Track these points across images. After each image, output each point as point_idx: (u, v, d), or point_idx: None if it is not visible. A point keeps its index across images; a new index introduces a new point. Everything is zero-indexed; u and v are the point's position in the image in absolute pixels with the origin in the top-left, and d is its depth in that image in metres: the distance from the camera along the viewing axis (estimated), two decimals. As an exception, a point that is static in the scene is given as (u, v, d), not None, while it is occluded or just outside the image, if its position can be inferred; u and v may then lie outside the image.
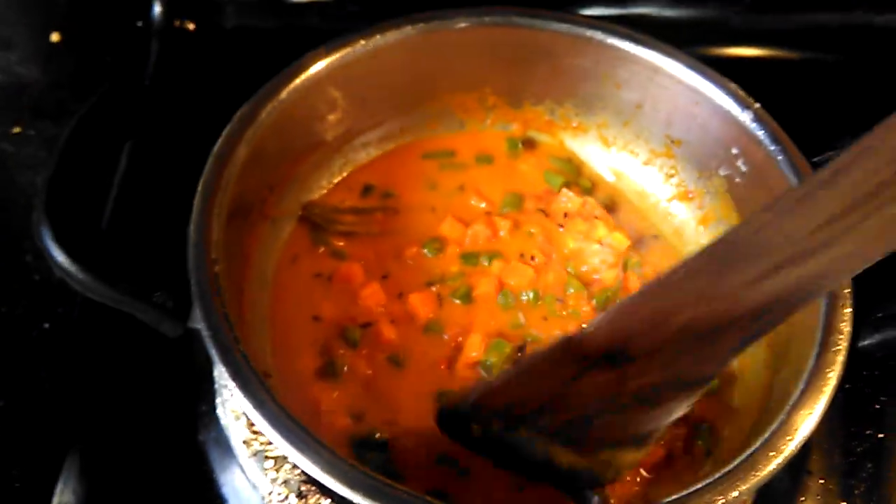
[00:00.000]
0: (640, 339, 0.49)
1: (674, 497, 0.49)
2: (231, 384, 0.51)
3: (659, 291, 0.49)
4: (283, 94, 0.66)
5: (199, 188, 0.59)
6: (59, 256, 0.52)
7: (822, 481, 0.69)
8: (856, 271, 0.43)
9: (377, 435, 0.62)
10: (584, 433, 0.54)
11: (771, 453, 0.51)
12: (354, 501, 0.48)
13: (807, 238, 0.42)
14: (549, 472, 0.56)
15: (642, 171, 0.79)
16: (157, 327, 0.56)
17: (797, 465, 0.69)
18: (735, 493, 0.49)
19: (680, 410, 0.51)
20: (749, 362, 0.66)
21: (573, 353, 0.52)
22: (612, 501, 0.59)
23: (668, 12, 0.95)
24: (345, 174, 0.77)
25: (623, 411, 0.52)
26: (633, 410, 0.52)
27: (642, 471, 0.61)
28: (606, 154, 0.80)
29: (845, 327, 0.56)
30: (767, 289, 0.44)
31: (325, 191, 0.76)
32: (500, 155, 0.80)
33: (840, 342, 0.56)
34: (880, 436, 0.71)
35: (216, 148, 0.62)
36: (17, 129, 0.86)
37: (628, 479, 0.61)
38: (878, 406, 0.72)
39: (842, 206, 0.40)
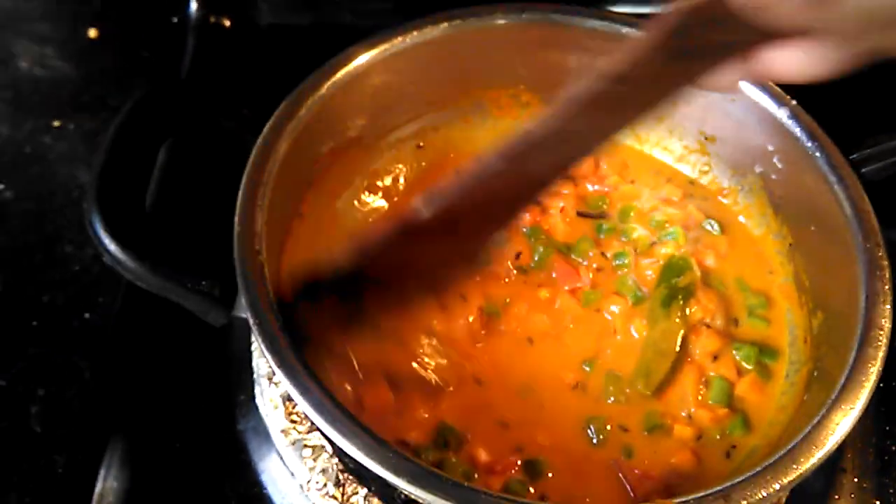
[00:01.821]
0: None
1: (717, 489, 0.49)
2: (276, 372, 0.52)
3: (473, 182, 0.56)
4: (324, 88, 0.67)
5: (244, 180, 0.60)
6: (111, 245, 0.53)
7: (856, 480, 0.69)
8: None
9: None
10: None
11: (812, 447, 0.51)
12: (398, 487, 0.49)
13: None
14: None
15: (677, 167, 0.79)
16: (203, 316, 0.57)
17: (832, 464, 0.69)
18: (777, 486, 0.49)
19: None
20: (786, 359, 0.66)
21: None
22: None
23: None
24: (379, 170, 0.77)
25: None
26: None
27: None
28: (640, 150, 0.81)
29: (886, 323, 0.56)
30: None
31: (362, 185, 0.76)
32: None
33: (881, 338, 0.56)
34: (914, 435, 0.71)
35: (259, 140, 0.63)
36: (56, 123, 0.88)
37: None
38: (912, 405, 0.72)
39: None
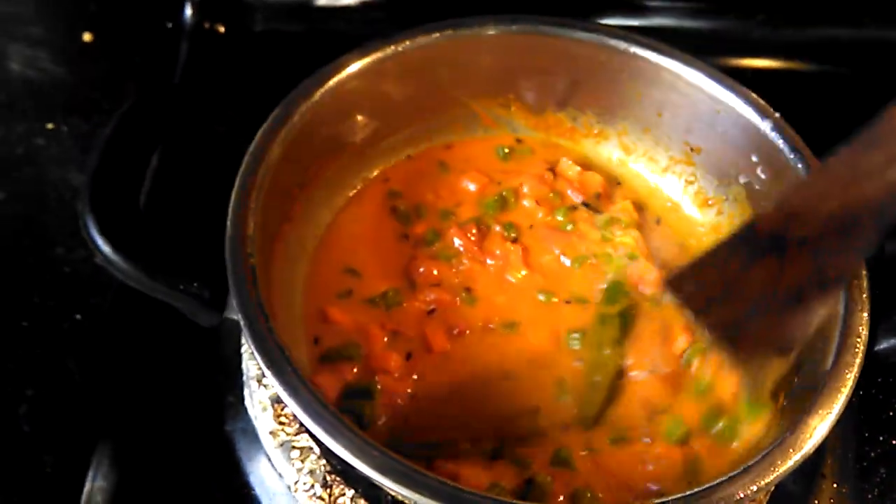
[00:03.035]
0: (798, 225, 0.55)
1: (696, 490, 0.50)
2: (267, 374, 0.53)
3: (816, 176, 0.56)
4: (316, 95, 0.68)
5: (236, 184, 0.61)
6: (104, 246, 0.54)
7: (835, 485, 0.70)
8: None
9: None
10: (744, 333, 0.59)
11: (790, 450, 0.52)
12: (384, 487, 0.50)
13: None
14: None
15: (660, 179, 0.81)
16: (194, 317, 0.58)
17: (812, 469, 0.70)
18: (754, 488, 0.50)
19: (820, 313, 0.57)
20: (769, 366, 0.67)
21: (749, 236, 0.58)
22: None
23: (689, 23, 0.97)
24: (371, 176, 0.78)
25: (776, 311, 0.57)
26: (784, 310, 0.57)
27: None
28: (627, 160, 0.82)
29: (863, 331, 0.58)
30: (891, 177, 0.50)
31: (351, 192, 0.77)
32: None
33: (858, 345, 0.57)
34: (893, 442, 0.72)
35: (251, 146, 0.64)
36: (49, 126, 0.88)
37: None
38: (891, 413, 0.73)
39: None
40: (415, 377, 0.65)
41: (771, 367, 0.62)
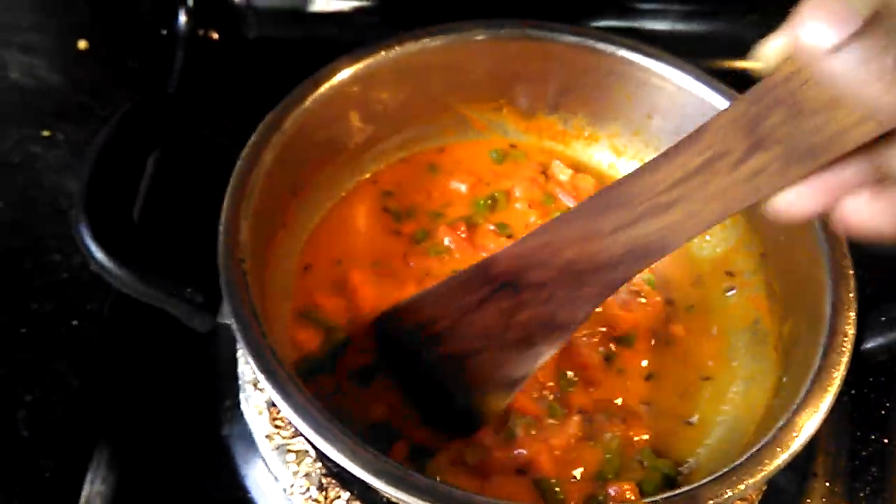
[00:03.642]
0: (533, 271, 0.56)
1: (684, 489, 0.51)
2: (259, 377, 0.53)
3: (552, 228, 0.56)
4: (308, 101, 0.68)
5: (228, 190, 0.61)
6: (98, 253, 0.55)
7: (827, 484, 0.70)
8: (693, 233, 0.49)
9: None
10: (470, 368, 0.61)
11: (777, 449, 0.53)
12: (379, 490, 0.50)
13: (659, 195, 0.48)
14: (442, 408, 0.64)
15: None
16: (188, 322, 0.59)
17: (803, 468, 0.70)
18: (742, 486, 0.51)
19: (545, 356, 0.58)
20: (758, 365, 0.68)
21: (482, 275, 0.59)
22: None
23: (680, 26, 0.97)
24: (363, 180, 0.79)
25: (503, 349, 0.59)
26: (512, 349, 0.59)
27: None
28: (617, 163, 0.83)
29: (850, 330, 0.58)
30: (627, 238, 0.51)
31: (343, 194, 0.78)
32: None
33: (845, 344, 0.58)
34: (885, 440, 0.72)
35: (244, 152, 0.64)
36: (45, 133, 0.89)
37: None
38: (883, 412, 0.74)
39: (685, 172, 0.47)
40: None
41: None
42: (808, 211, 0.42)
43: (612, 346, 0.70)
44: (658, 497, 0.50)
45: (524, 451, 0.62)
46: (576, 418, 0.64)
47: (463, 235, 0.74)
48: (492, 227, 0.75)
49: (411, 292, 0.68)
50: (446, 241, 0.74)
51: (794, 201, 0.42)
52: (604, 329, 0.70)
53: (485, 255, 0.73)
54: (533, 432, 0.63)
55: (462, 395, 0.63)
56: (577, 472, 0.62)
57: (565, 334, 0.57)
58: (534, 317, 0.57)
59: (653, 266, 0.74)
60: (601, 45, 0.74)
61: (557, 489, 0.61)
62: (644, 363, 0.70)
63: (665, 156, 0.48)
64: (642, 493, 0.60)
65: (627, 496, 0.60)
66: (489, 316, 0.59)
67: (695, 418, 0.67)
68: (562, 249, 0.54)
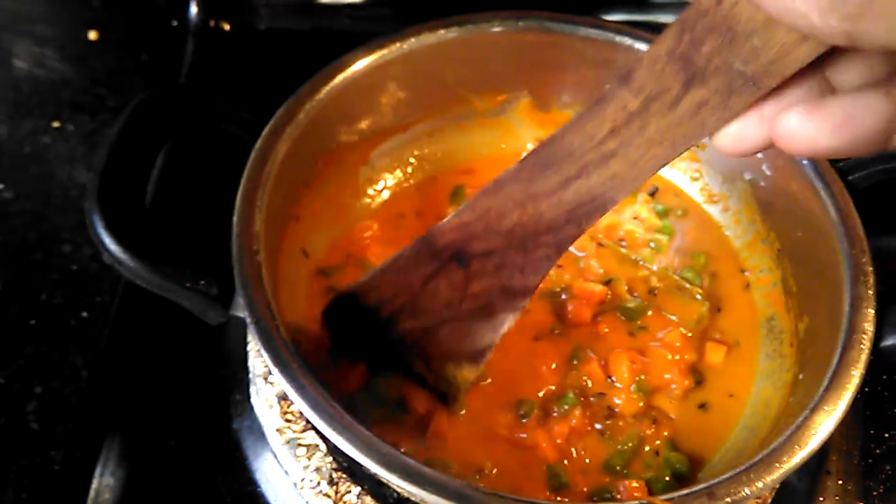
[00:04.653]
0: (478, 240, 0.55)
1: (701, 486, 0.50)
2: (273, 370, 0.53)
3: (490, 192, 0.54)
4: (322, 93, 0.68)
5: (243, 181, 0.61)
6: (111, 244, 0.54)
7: (840, 482, 0.70)
8: (639, 181, 0.47)
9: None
10: (432, 344, 0.60)
11: (795, 447, 0.52)
12: (390, 483, 0.50)
13: (599, 145, 0.47)
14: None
15: (667, 174, 0.81)
16: (200, 315, 0.58)
17: (817, 466, 0.70)
18: (760, 484, 0.50)
19: (507, 323, 0.57)
20: (773, 363, 0.67)
21: (428, 250, 0.57)
22: None
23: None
24: (375, 173, 0.79)
25: (464, 319, 0.58)
26: (472, 320, 0.58)
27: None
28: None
29: (868, 327, 0.58)
30: (570, 195, 0.49)
31: (355, 192, 0.77)
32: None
33: (864, 342, 0.57)
34: (899, 439, 0.72)
35: (258, 143, 0.64)
36: (56, 124, 0.89)
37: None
38: (896, 410, 0.74)
39: (621, 117, 0.45)
40: None
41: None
42: (757, 143, 0.41)
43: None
44: (675, 494, 0.50)
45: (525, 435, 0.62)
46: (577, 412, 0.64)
47: None
48: None
49: None
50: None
51: (741, 134, 0.41)
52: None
53: None
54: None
55: (430, 370, 0.62)
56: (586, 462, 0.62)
57: (523, 300, 0.56)
58: (487, 287, 0.56)
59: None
60: (618, 38, 0.73)
61: (561, 474, 0.61)
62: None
63: (598, 103, 0.46)
64: (651, 492, 0.60)
65: (635, 495, 0.59)
66: (443, 290, 0.58)
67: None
68: (505, 214, 0.53)
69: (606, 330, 0.69)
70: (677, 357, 0.67)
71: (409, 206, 0.78)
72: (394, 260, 0.61)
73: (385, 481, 0.50)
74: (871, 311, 0.58)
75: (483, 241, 0.55)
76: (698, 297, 0.70)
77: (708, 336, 0.70)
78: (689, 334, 0.69)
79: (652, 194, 0.79)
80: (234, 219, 0.59)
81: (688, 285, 0.71)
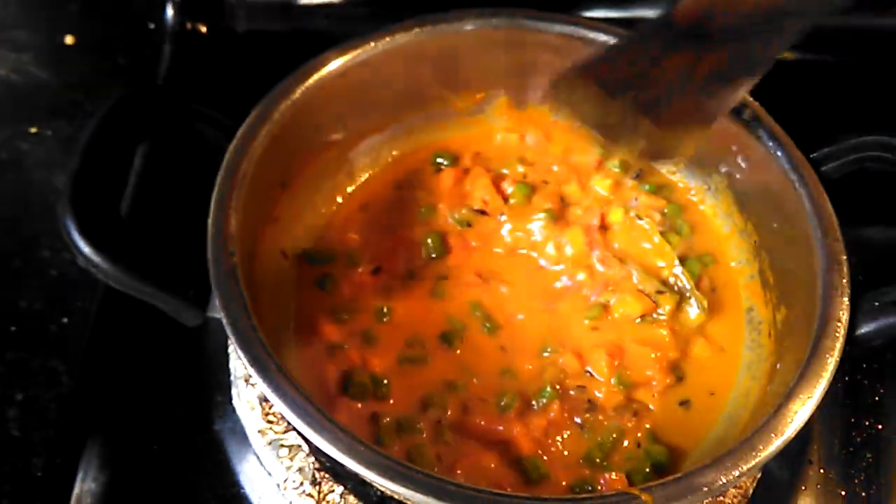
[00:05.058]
0: (720, 15, 0.55)
1: (678, 475, 0.50)
2: (250, 371, 0.53)
3: None
4: (297, 93, 0.68)
5: (217, 182, 0.61)
6: (85, 248, 0.54)
7: (822, 470, 0.70)
8: None
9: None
10: (664, 109, 0.60)
11: (771, 435, 0.53)
12: (371, 482, 0.50)
13: None
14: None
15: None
16: (177, 316, 0.58)
17: (798, 455, 0.70)
18: (736, 472, 0.51)
19: (744, 89, 0.59)
20: (752, 353, 0.68)
21: (661, 27, 0.58)
22: None
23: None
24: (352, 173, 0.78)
25: (696, 90, 0.58)
26: (705, 88, 0.58)
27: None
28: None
29: (843, 315, 0.58)
30: None
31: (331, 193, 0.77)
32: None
33: (838, 330, 0.58)
34: (879, 427, 0.73)
35: (233, 144, 0.64)
36: (33, 129, 0.88)
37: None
38: (877, 398, 0.74)
39: None
40: None
41: None
42: None
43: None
44: (653, 483, 0.50)
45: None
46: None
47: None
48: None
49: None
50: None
51: None
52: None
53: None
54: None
55: (660, 130, 0.62)
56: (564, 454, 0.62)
57: (761, 71, 0.56)
58: (724, 59, 0.56)
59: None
60: (593, 35, 0.74)
61: (538, 465, 0.61)
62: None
63: None
64: (631, 484, 0.60)
65: (616, 488, 0.59)
66: (671, 67, 0.58)
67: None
68: None
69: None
70: (659, 354, 0.67)
71: (388, 204, 0.78)
72: (626, 42, 0.62)
73: (366, 480, 0.50)
74: (846, 300, 0.59)
75: (725, 16, 0.55)
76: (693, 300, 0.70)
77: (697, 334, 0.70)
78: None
79: (637, 177, 0.79)
80: (210, 220, 0.59)
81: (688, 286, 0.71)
